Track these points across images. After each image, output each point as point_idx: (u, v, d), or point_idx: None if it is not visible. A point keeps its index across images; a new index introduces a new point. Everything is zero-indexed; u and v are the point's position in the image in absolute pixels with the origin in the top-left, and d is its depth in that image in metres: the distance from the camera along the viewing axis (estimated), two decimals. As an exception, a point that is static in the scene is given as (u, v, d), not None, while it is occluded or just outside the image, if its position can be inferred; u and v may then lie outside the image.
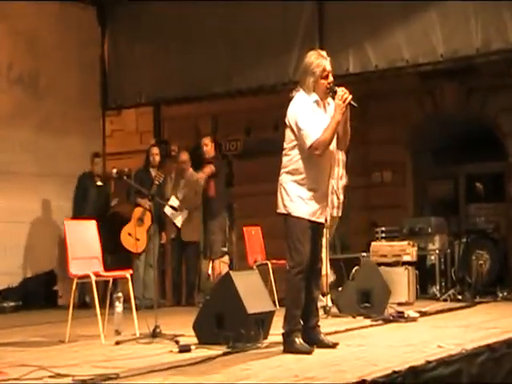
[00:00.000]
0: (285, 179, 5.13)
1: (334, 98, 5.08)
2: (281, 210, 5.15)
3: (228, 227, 11.38)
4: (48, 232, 9.92)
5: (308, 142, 5.00)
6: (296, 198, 5.07)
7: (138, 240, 9.00)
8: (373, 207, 11.71)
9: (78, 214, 9.23)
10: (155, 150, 9.59)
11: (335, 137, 5.12)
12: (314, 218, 5.09)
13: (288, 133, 5.14)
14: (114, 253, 8.97)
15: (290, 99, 5.18)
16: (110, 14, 11.20)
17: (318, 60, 5.10)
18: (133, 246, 9.04)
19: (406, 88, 11.29)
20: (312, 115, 5.07)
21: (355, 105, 5.06)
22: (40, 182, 9.09)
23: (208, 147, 9.37)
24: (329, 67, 5.12)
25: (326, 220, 5.22)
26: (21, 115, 9.91)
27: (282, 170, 5.18)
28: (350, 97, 5.02)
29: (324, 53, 5.17)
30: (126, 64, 11.09)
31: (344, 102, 5.00)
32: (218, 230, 9.30)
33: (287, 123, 5.14)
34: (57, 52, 10.44)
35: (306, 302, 5.15)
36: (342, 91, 5.03)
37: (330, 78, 5.12)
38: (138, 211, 9.16)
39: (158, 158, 9.49)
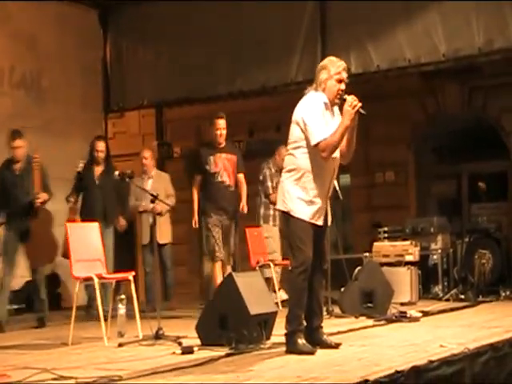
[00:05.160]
0: (286, 179, 5.15)
1: (342, 106, 5.09)
2: (281, 207, 5.17)
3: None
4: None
5: (315, 140, 5.01)
6: (296, 200, 5.08)
7: None
8: (375, 207, 11.71)
9: None
10: (101, 146, 8.43)
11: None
12: (312, 221, 5.09)
13: (293, 130, 5.15)
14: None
15: (301, 97, 5.20)
16: (111, 16, 11.23)
17: (338, 63, 5.20)
18: None
19: (408, 88, 11.28)
20: (321, 115, 5.08)
21: (364, 112, 5.06)
22: (41, 184, 9.05)
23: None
24: (344, 75, 5.17)
25: (326, 222, 5.20)
26: (23, 118, 9.91)
27: (284, 170, 5.21)
28: (360, 104, 5.02)
29: (343, 62, 5.23)
30: (128, 66, 11.11)
31: (353, 108, 5.01)
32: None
33: (294, 119, 5.15)
34: (59, 55, 10.46)
35: (309, 303, 5.16)
36: (352, 98, 5.05)
37: (343, 86, 5.15)
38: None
39: (102, 155, 8.38)
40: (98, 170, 8.38)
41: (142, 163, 9.37)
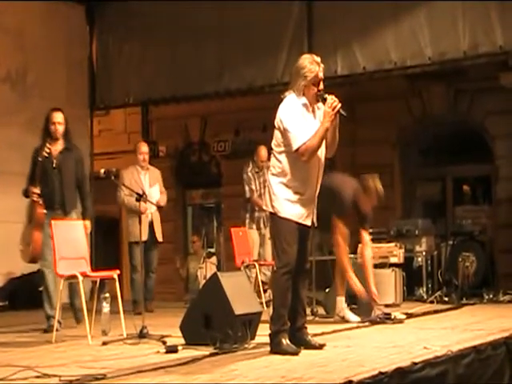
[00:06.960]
0: (272, 181, 5.15)
1: (324, 105, 5.08)
2: (268, 208, 5.18)
3: (216, 228, 11.22)
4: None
5: (295, 145, 5.01)
6: (283, 200, 5.08)
7: None
8: (360, 209, 11.72)
9: None
10: (58, 117, 7.00)
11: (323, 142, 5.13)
12: (300, 221, 5.10)
13: (276, 134, 5.15)
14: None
15: (281, 100, 5.18)
16: (98, 12, 11.18)
17: (312, 65, 5.08)
18: None
19: (393, 90, 11.33)
20: (300, 118, 5.07)
21: (344, 114, 5.03)
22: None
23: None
24: (321, 74, 5.11)
25: (312, 223, 5.22)
26: (8, 114, 9.86)
27: (270, 172, 5.21)
28: (340, 105, 5.00)
29: (318, 59, 5.13)
30: (114, 64, 11.07)
31: (333, 109, 5.00)
32: None
33: (276, 125, 5.15)
34: (45, 51, 10.41)
35: (292, 303, 5.16)
36: (331, 99, 5.01)
37: (321, 86, 5.11)
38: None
39: (61, 129, 6.99)
40: (56, 148, 6.99)
41: (142, 158, 8.90)
